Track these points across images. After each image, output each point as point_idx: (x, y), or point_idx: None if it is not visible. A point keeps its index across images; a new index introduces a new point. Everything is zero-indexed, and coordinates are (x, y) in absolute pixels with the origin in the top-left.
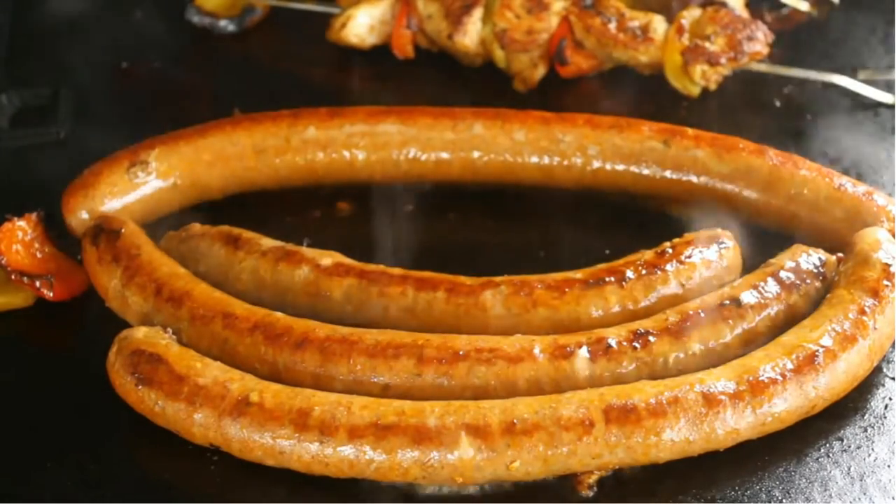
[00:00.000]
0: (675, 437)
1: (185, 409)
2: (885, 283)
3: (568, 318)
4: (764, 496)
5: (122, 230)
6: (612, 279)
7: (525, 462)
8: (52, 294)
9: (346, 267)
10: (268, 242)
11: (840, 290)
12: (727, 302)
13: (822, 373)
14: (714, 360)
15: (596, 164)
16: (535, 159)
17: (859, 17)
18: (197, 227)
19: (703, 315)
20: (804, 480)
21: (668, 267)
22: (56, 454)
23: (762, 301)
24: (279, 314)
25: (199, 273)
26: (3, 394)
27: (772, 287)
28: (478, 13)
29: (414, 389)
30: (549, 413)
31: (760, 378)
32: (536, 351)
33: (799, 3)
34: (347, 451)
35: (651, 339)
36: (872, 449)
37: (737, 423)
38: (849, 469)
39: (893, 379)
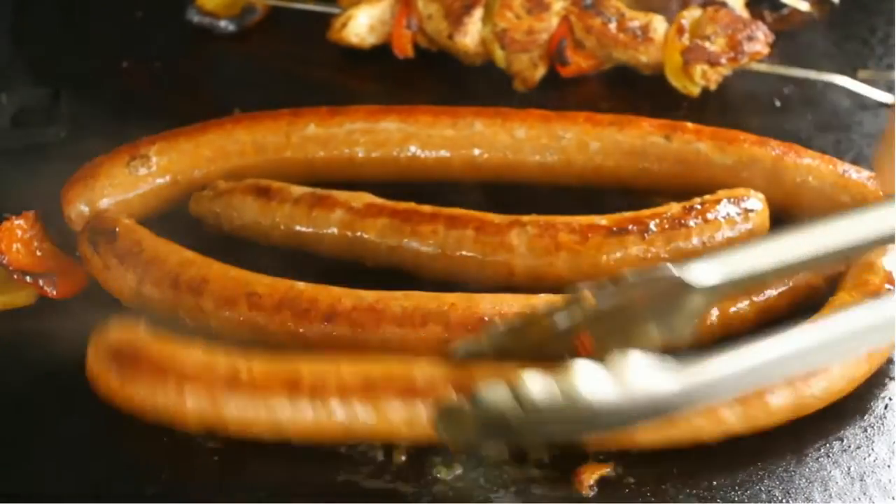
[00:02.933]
0: (662, 428)
1: (174, 399)
2: (888, 287)
3: (588, 263)
4: (764, 496)
5: (117, 229)
6: (635, 229)
7: None
8: (55, 292)
9: (379, 207)
10: (298, 189)
11: (842, 292)
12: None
13: (815, 373)
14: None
15: (597, 161)
16: (535, 156)
17: (859, 17)
18: (222, 183)
19: None
20: (804, 480)
21: (692, 223)
22: (57, 453)
23: None
24: (302, 285)
25: (234, 228)
26: (5, 392)
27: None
28: (478, 13)
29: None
30: None
31: None
32: None
33: (799, 3)
34: (341, 413)
35: None
36: (872, 449)
37: (726, 416)
38: (849, 469)
39: (893, 379)
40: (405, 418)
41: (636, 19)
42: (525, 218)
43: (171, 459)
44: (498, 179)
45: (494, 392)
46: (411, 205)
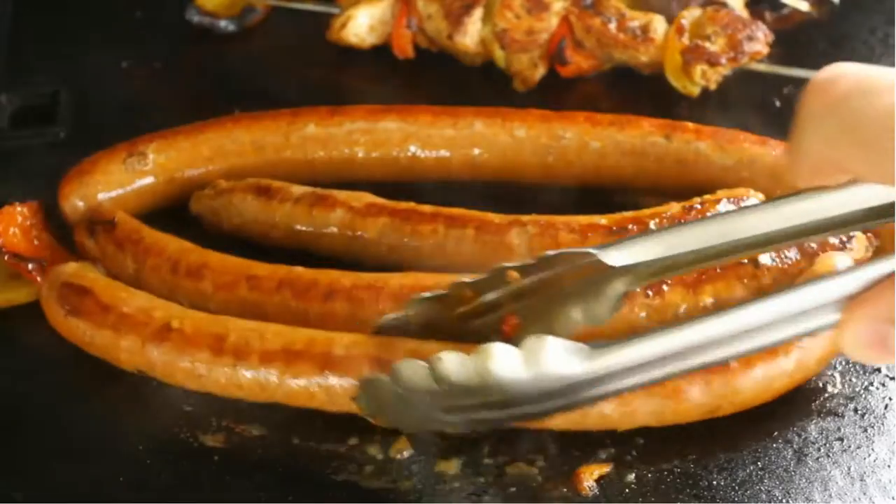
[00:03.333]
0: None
1: (111, 336)
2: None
3: None
4: (764, 496)
5: (116, 219)
6: (635, 229)
7: None
8: (41, 279)
9: (379, 206)
10: (298, 189)
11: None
12: (745, 261)
13: (732, 378)
14: None
15: (597, 161)
16: (535, 157)
17: (859, 17)
18: (223, 182)
19: (718, 271)
20: (804, 480)
21: None
22: (56, 452)
23: (779, 265)
24: (300, 268)
25: (234, 227)
26: (5, 388)
27: (792, 254)
28: (478, 13)
29: None
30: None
31: None
32: None
33: (799, 3)
34: (259, 374)
35: (665, 287)
36: (872, 449)
37: (638, 406)
38: (849, 469)
39: (893, 379)
40: (323, 387)
41: (636, 19)
42: (525, 217)
43: (171, 459)
44: (498, 179)
45: (412, 367)
46: (411, 204)
